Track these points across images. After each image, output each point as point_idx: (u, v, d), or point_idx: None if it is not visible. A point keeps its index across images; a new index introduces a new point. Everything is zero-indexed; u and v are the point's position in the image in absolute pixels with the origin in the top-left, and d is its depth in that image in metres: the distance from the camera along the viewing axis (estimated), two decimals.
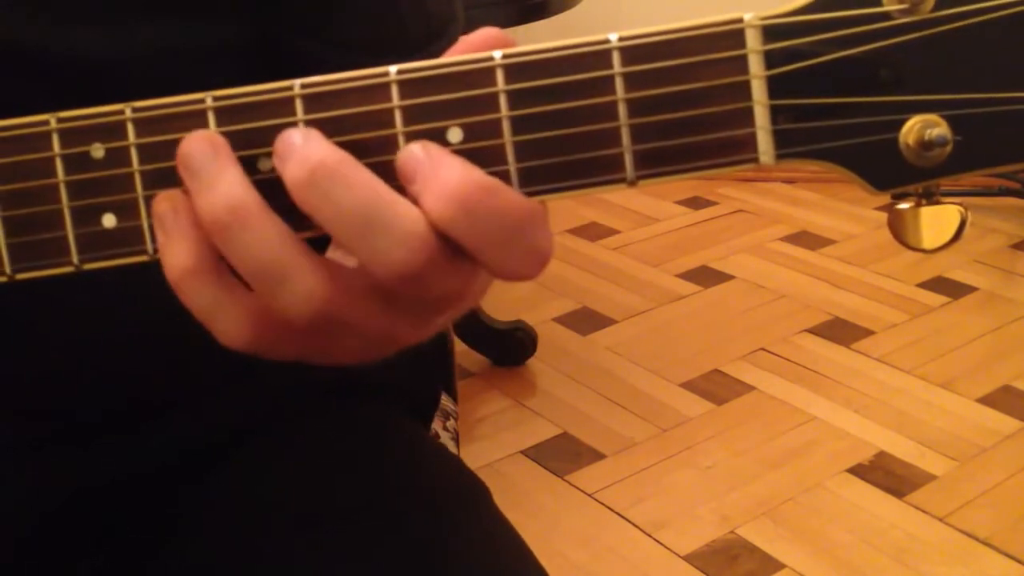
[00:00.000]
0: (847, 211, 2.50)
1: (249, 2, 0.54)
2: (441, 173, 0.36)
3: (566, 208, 2.58)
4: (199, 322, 0.39)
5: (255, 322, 0.38)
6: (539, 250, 0.37)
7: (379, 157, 0.37)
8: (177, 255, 0.38)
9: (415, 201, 0.36)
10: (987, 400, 1.81)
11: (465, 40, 0.38)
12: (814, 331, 2.05)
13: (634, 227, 2.52)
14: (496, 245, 0.36)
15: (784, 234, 2.44)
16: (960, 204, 0.34)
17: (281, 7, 0.55)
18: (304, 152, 0.36)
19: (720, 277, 2.27)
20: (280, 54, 0.54)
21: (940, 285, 2.18)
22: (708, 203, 2.62)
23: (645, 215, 2.57)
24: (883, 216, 0.36)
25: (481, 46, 0.38)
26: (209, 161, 0.37)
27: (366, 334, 0.40)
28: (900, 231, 0.35)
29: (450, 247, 0.37)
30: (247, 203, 0.37)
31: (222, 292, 0.38)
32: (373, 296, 0.38)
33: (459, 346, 1.92)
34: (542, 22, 1.80)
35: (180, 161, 0.38)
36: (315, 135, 0.37)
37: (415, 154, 0.36)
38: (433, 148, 0.36)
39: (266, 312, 0.38)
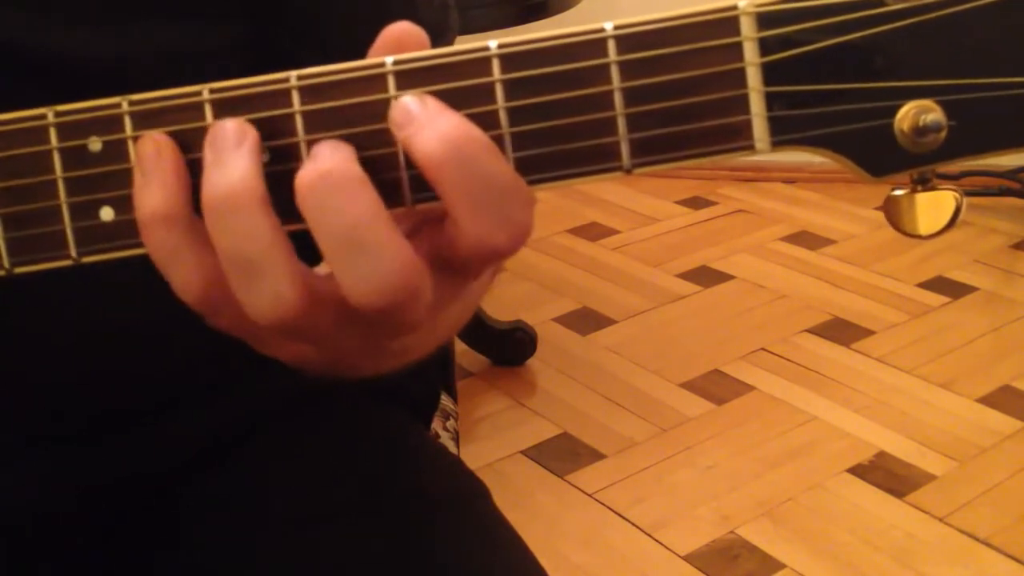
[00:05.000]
0: (847, 211, 2.50)
1: (245, 6, 0.54)
2: (440, 118, 0.36)
3: (566, 208, 2.58)
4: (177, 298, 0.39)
5: (208, 283, 0.38)
6: (517, 222, 0.36)
7: (377, 149, 0.37)
8: (152, 197, 0.38)
9: (405, 147, 0.36)
10: (987, 400, 1.81)
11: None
12: (814, 331, 2.04)
13: (634, 227, 2.52)
14: (476, 204, 0.36)
15: (784, 234, 2.44)
16: (955, 190, 0.34)
17: (276, 14, 0.55)
18: (324, 161, 0.36)
19: (720, 277, 2.27)
20: (277, 57, 0.54)
21: (940, 285, 2.18)
22: (708, 203, 2.61)
23: (645, 215, 2.57)
24: (883, 216, 0.36)
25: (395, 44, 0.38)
26: (232, 143, 0.37)
27: (317, 343, 0.40)
28: (896, 218, 0.35)
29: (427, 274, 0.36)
30: (249, 190, 0.37)
31: (184, 243, 0.38)
32: (339, 313, 0.38)
33: (459, 346, 1.92)
34: (542, 22, 1.80)
35: (208, 135, 0.38)
36: (344, 147, 0.37)
37: (410, 104, 0.36)
38: (432, 100, 0.36)
39: (219, 278, 0.38)
